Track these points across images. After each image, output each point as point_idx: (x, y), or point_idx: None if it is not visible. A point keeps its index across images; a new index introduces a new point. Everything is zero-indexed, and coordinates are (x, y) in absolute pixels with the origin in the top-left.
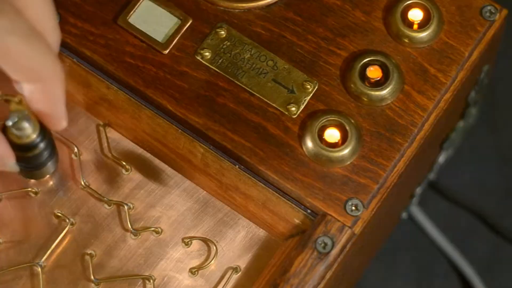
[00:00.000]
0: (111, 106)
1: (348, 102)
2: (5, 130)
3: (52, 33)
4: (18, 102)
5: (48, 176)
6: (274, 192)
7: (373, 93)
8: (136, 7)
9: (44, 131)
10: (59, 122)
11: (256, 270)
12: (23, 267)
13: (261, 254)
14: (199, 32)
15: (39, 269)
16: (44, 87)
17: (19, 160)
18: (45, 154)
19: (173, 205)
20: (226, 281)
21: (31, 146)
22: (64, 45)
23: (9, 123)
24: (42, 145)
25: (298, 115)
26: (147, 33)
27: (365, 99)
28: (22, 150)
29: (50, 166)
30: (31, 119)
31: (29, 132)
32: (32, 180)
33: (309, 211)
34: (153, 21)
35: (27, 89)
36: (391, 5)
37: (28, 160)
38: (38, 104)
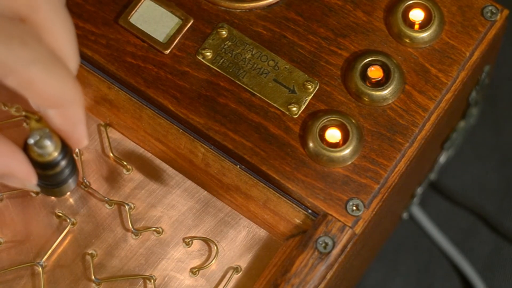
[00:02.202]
0: (112, 106)
1: (349, 102)
2: (26, 148)
3: (72, 59)
4: (38, 120)
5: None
6: (275, 192)
7: (374, 93)
8: (137, 7)
9: (66, 148)
10: (80, 141)
11: (257, 270)
12: (24, 267)
13: (262, 254)
14: (200, 32)
15: (40, 269)
16: (65, 111)
17: (40, 178)
18: (67, 171)
19: (174, 205)
20: (227, 281)
21: (53, 164)
22: None
23: (31, 141)
24: (63, 162)
25: (299, 115)
26: (148, 33)
27: (366, 99)
28: (43, 168)
29: (71, 183)
30: (52, 137)
31: (51, 150)
32: None
33: (310, 211)
34: (154, 21)
35: (47, 112)
36: (392, 5)
37: (49, 178)
38: (59, 126)
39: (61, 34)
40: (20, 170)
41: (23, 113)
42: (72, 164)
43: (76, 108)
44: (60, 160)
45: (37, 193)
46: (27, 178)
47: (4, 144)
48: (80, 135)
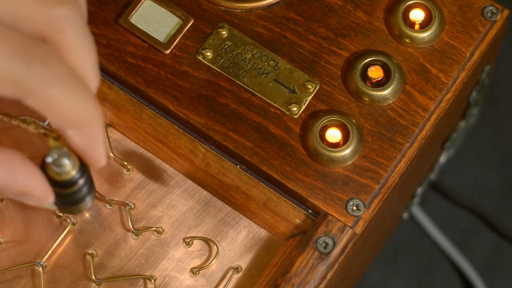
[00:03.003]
0: (112, 106)
1: (350, 102)
2: (44, 166)
3: (93, 78)
4: (56, 138)
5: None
6: (275, 192)
7: (374, 93)
8: (137, 7)
9: (84, 167)
10: (98, 161)
11: (257, 270)
12: (24, 267)
13: (262, 254)
14: (201, 32)
15: (40, 269)
16: (84, 132)
17: (57, 196)
18: (84, 190)
19: (174, 205)
20: (227, 281)
21: (71, 183)
22: None
23: (49, 159)
24: (81, 181)
25: (300, 115)
26: (149, 33)
27: (367, 99)
28: (61, 187)
29: (88, 201)
30: (71, 156)
31: (69, 168)
32: None
33: (310, 211)
34: (155, 21)
35: (67, 131)
36: (392, 5)
37: (67, 196)
38: (78, 145)
39: (83, 54)
40: (38, 189)
41: (41, 131)
42: (90, 182)
43: (96, 128)
44: (78, 178)
45: None
46: (44, 197)
47: (23, 163)
48: (99, 155)
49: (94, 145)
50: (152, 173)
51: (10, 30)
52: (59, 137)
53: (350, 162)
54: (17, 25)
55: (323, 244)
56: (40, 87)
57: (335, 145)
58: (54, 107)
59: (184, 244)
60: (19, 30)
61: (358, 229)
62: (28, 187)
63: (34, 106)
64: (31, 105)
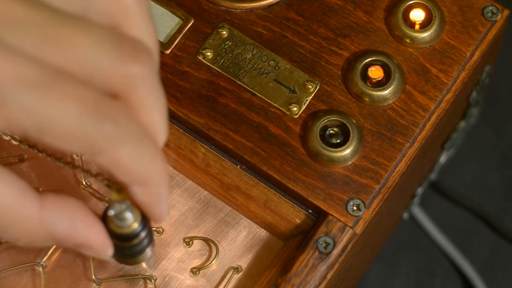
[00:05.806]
0: None
1: (350, 102)
2: (105, 218)
3: (162, 133)
4: (119, 190)
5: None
6: (275, 192)
7: (374, 93)
8: None
9: (145, 220)
10: (160, 218)
11: (258, 270)
12: (24, 267)
13: (263, 254)
14: (201, 32)
15: (41, 269)
16: (150, 190)
17: (116, 248)
18: (145, 242)
19: (174, 205)
20: (228, 281)
21: (132, 236)
22: None
23: (111, 213)
24: (142, 234)
25: (300, 115)
26: None
27: (367, 99)
28: (121, 240)
29: (147, 252)
30: (133, 209)
31: (131, 222)
32: (33, 179)
33: (310, 211)
34: (155, 21)
35: (131, 188)
36: (392, 5)
37: (126, 248)
38: (142, 202)
39: (154, 111)
40: (97, 242)
41: (105, 182)
42: (150, 234)
43: (162, 187)
44: (139, 232)
45: None
46: (104, 250)
47: (85, 215)
48: (162, 212)
49: (158, 202)
50: None
51: (83, 87)
52: (121, 190)
53: (350, 162)
54: (90, 81)
55: (323, 244)
56: (110, 146)
57: (335, 145)
58: (121, 166)
59: (184, 244)
60: (92, 85)
61: (359, 229)
62: (88, 239)
63: (101, 163)
64: (98, 162)
